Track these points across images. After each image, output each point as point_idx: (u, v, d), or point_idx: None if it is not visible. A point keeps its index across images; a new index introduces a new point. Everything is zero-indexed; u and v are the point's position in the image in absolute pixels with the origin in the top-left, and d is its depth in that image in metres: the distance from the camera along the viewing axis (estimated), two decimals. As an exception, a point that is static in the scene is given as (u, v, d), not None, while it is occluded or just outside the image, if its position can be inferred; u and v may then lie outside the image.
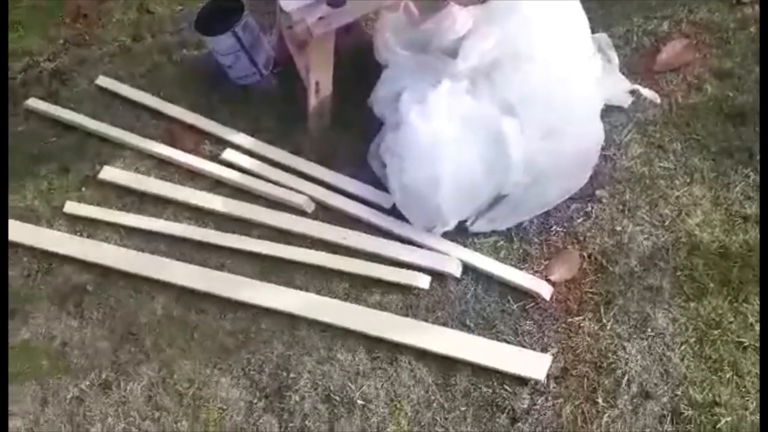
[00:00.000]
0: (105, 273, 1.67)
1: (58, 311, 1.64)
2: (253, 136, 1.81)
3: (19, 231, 1.77)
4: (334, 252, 1.60)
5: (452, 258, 1.53)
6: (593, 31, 1.64)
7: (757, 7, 1.74)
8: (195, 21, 1.87)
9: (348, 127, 1.78)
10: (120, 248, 1.70)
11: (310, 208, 1.68)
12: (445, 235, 1.57)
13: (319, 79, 1.66)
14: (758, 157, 1.54)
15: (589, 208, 1.56)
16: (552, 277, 1.49)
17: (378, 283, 1.55)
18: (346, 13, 1.49)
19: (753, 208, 1.49)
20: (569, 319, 1.44)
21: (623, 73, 1.70)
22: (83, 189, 1.84)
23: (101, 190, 1.83)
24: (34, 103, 2.02)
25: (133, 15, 2.20)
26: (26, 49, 2.19)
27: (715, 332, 1.35)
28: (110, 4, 2.23)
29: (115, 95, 2.00)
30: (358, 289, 1.55)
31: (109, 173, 1.83)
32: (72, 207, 1.79)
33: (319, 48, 1.58)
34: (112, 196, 1.81)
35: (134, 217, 1.74)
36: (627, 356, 1.37)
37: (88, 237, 1.74)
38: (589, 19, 1.60)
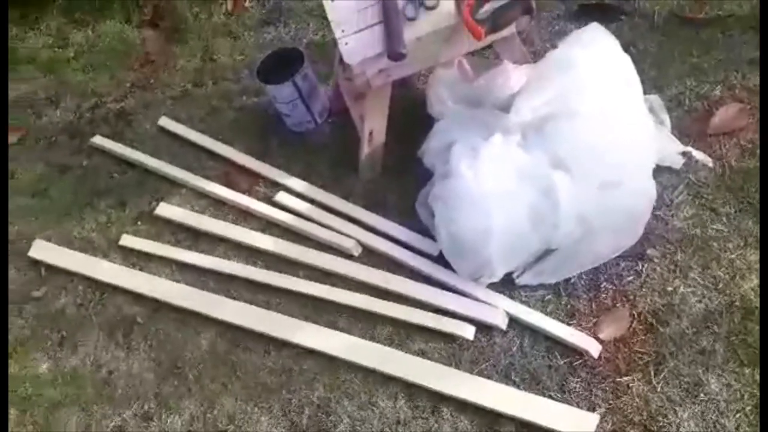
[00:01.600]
0: (155, 306, 1.71)
1: (107, 341, 1.68)
2: (305, 180, 1.86)
3: (75, 261, 1.84)
4: (379, 296, 1.61)
5: (498, 309, 1.52)
6: (646, 93, 1.66)
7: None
8: (257, 70, 1.96)
9: (398, 176, 1.82)
10: (171, 282, 1.74)
11: (357, 251, 1.70)
12: (491, 286, 1.57)
13: (374, 128, 1.71)
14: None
15: (640, 267, 1.54)
16: (601, 335, 1.46)
17: (421, 330, 1.55)
18: (405, 66, 1.54)
19: (811, 276, 1.45)
20: (618, 379, 1.40)
21: (675, 135, 1.70)
22: (139, 223, 1.91)
23: (156, 226, 1.89)
24: (99, 140, 2.13)
25: (196, 62, 2.31)
26: (96, 90, 2.32)
27: (773, 401, 1.30)
28: (176, 52, 2.35)
29: (176, 136, 2.09)
30: (402, 335, 1.55)
31: (165, 210, 1.89)
32: (127, 240, 1.86)
33: (376, 99, 1.64)
34: (167, 231, 1.87)
35: (186, 253, 1.79)
36: (678, 420, 1.33)
37: (141, 270, 1.79)
38: (642, 80, 1.62)
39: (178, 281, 1.75)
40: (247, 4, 2.42)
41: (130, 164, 2.06)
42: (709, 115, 1.73)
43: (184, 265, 1.77)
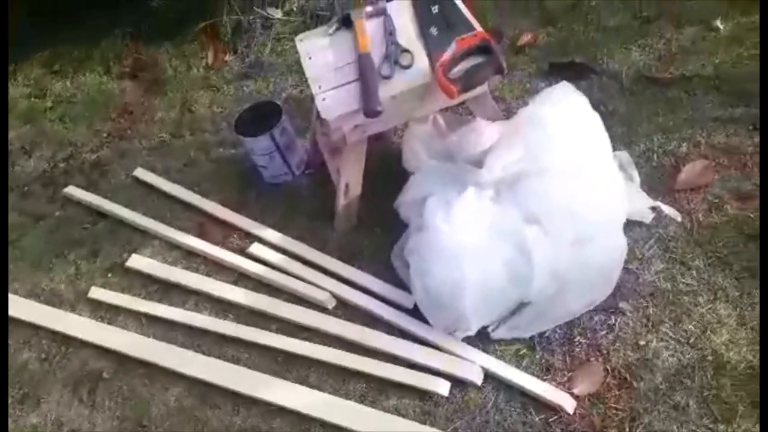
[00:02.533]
0: (122, 360, 1.66)
1: (70, 397, 1.63)
2: (281, 232, 1.85)
3: (40, 313, 1.79)
4: (353, 351, 1.58)
5: (474, 364, 1.51)
6: (615, 149, 1.70)
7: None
8: (235, 122, 1.98)
9: (373, 229, 1.82)
10: (139, 336, 1.70)
11: (331, 304, 1.69)
12: (467, 340, 1.56)
13: (350, 181, 1.73)
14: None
15: (613, 321, 1.55)
16: (575, 390, 1.45)
17: (396, 386, 1.52)
18: (380, 123, 1.57)
19: (780, 330, 1.47)
20: (593, 436, 1.38)
21: (644, 191, 1.74)
22: (109, 275, 1.88)
23: (127, 278, 1.86)
24: (72, 190, 2.11)
25: (175, 114, 2.33)
26: (72, 140, 2.32)
27: (748, 459, 1.30)
28: (155, 103, 2.37)
29: (151, 187, 2.09)
30: (375, 391, 1.53)
31: (137, 261, 1.87)
32: (96, 293, 1.82)
33: (352, 153, 1.66)
34: (137, 283, 1.84)
35: (156, 306, 1.76)
36: (655, 479, 1.31)
37: (109, 323, 1.75)
38: (611, 137, 1.66)
39: (146, 335, 1.71)
40: (227, 58, 2.46)
41: (104, 215, 2.04)
42: (676, 172, 1.77)
43: (153, 318, 1.74)
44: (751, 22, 2.11)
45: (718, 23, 2.13)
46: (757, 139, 1.80)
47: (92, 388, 1.63)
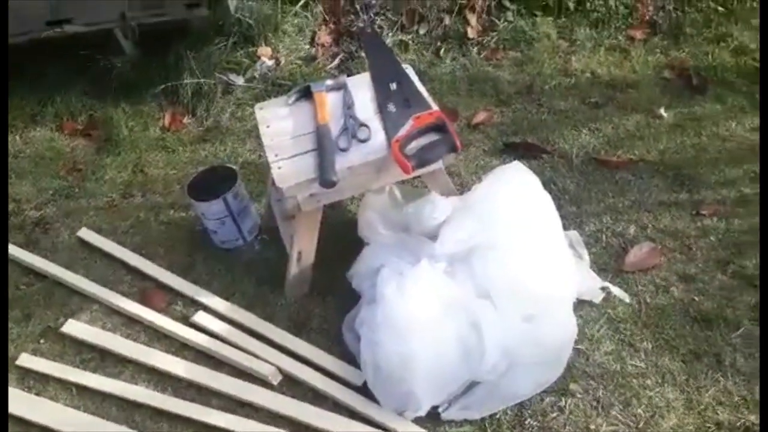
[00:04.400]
0: (45, 436, 1.54)
1: (-16, 477, 1.48)
2: (228, 299, 1.79)
3: (-39, 381, 1.66)
4: (296, 430, 1.51)
5: (422, 447, 1.45)
6: (565, 228, 1.74)
7: (715, 219, 1.87)
8: (188, 185, 1.94)
9: (325, 297, 1.79)
10: (68, 409, 1.59)
11: (276, 380, 1.62)
12: (416, 420, 1.51)
13: (303, 249, 1.70)
14: (727, 363, 1.56)
15: (563, 403, 1.53)
16: (525, 476, 1.41)
17: (340, 468, 1.45)
18: (335, 193, 1.56)
19: (725, 414, 1.48)
20: None
21: (594, 270, 1.77)
22: (41, 341, 1.77)
23: (60, 344, 1.75)
24: (9, 249, 2.01)
25: (127, 174, 2.27)
26: (14, 196, 2.22)
27: None
28: (107, 162, 2.32)
29: (95, 249, 2.00)
30: (319, 474, 1.45)
31: (73, 327, 1.77)
32: (26, 360, 1.70)
33: (306, 221, 1.64)
34: (71, 351, 1.73)
35: (89, 376, 1.65)
36: None
37: (37, 394, 1.63)
38: (561, 215, 1.70)
39: (76, 407, 1.60)
40: (185, 120, 2.45)
41: (42, 276, 1.94)
42: (624, 253, 1.81)
43: (85, 389, 1.63)
44: (692, 112, 2.23)
45: (662, 111, 2.24)
46: (699, 224, 1.87)
47: (10, 467, 1.50)
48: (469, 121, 2.28)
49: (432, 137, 1.56)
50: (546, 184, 1.74)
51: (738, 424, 1.46)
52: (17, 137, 2.44)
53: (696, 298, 1.70)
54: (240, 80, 2.49)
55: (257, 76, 2.50)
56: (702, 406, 1.50)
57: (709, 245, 1.82)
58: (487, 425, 1.50)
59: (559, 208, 1.71)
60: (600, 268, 1.78)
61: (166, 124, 2.43)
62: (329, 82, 1.71)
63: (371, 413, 1.52)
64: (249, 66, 2.51)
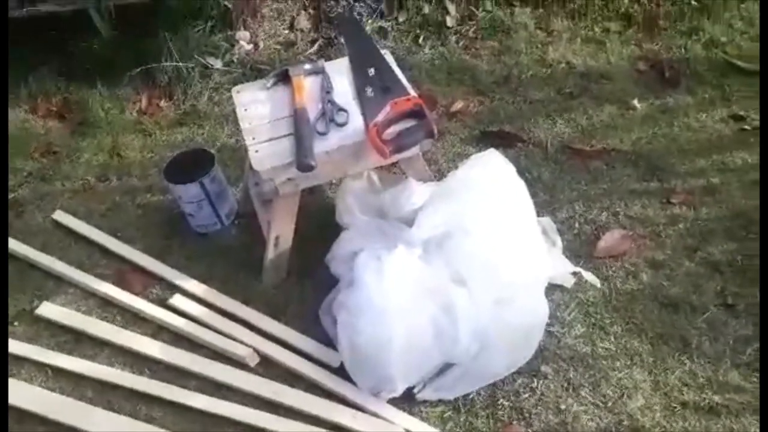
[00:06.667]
0: (21, 417, 1.54)
1: (-43, 458, 1.47)
2: (205, 283, 1.80)
3: (-67, 363, 1.64)
4: (273, 411, 1.53)
5: (398, 427, 1.48)
6: (539, 214, 1.77)
7: (684, 208, 1.92)
8: (165, 168, 1.93)
9: (303, 282, 1.80)
10: (43, 390, 1.59)
11: (253, 361, 1.63)
12: (392, 401, 1.54)
13: (280, 233, 1.71)
14: (693, 345, 1.61)
15: (535, 384, 1.57)
16: (497, 455, 1.45)
17: (317, 448, 1.47)
18: (313, 177, 1.57)
19: (690, 395, 1.53)
20: (513, 502, 1.37)
21: (566, 256, 1.81)
22: (15, 324, 1.76)
23: (35, 326, 1.75)
24: (-18, 231, 1.98)
25: (103, 157, 2.26)
26: (-13, 178, 2.19)
27: None
28: (83, 145, 2.29)
29: (70, 231, 1.99)
30: (295, 454, 1.47)
31: (48, 309, 1.76)
32: None
33: (284, 205, 1.64)
34: (46, 333, 1.73)
35: (64, 358, 1.65)
36: None
37: (11, 376, 1.62)
38: (535, 202, 1.73)
39: (51, 389, 1.59)
40: (162, 104, 2.43)
41: (15, 258, 1.92)
42: (596, 239, 1.86)
43: (60, 371, 1.63)
44: (664, 104, 2.28)
45: (635, 103, 2.29)
46: (669, 212, 1.92)
47: (-17, 449, 1.49)
48: (447, 110, 2.30)
49: (409, 123, 1.58)
50: (521, 172, 1.76)
51: (702, 404, 1.51)
52: (-11, 118, 2.40)
53: (664, 284, 1.75)
54: (218, 64, 2.48)
55: (236, 59, 2.49)
56: (668, 387, 1.55)
57: (678, 233, 1.87)
58: (461, 405, 1.54)
59: (533, 195, 1.74)
60: (572, 253, 1.82)
61: (142, 107, 2.41)
62: (307, 66, 1.71)
63: (348, 394, 1.54)
64: (227, 50, 2.50)
